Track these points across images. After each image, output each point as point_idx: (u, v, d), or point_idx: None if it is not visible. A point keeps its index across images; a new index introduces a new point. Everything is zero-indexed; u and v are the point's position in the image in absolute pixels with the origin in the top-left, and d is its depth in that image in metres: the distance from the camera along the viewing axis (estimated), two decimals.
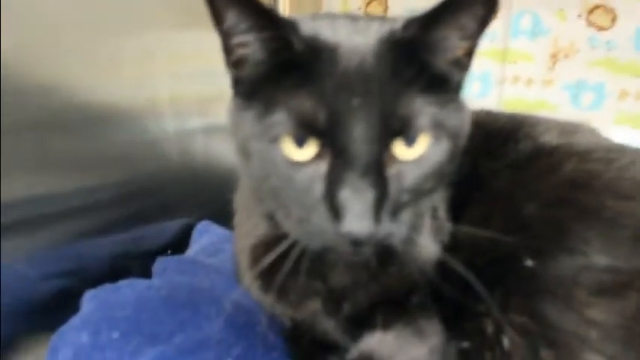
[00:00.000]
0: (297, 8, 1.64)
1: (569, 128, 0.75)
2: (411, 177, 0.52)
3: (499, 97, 1.56)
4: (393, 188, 0.51)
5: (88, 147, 0.91)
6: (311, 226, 0.52)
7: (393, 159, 0.52)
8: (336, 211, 0.49)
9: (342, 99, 0.49)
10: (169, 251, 1.09)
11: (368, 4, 1.66)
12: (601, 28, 1.43)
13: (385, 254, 0.60)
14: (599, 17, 1.41)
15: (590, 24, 1.44)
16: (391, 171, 0.51)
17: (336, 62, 0.51)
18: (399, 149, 0.52)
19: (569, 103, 1.49)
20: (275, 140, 0.51)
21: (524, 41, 1.50)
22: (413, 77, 0.51)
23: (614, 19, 1.41)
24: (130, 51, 1.02)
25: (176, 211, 1.18)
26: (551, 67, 1.51)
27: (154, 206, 1.11)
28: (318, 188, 0.51)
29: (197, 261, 1.00)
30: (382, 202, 0.50)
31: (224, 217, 0.84)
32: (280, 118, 0.51)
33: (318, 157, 0.51)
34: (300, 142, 0.51)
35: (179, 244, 1.14)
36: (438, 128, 0.53)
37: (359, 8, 1.66)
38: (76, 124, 0.88)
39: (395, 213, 0.52)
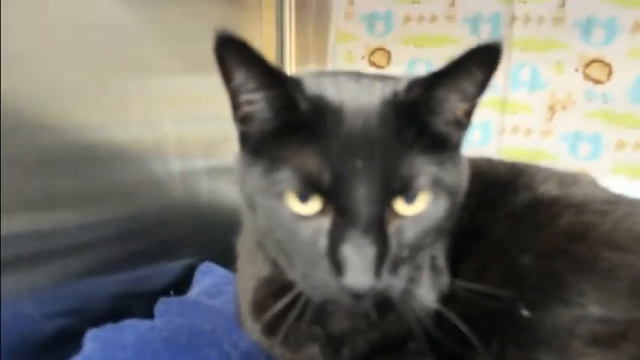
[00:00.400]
0: (304, 57, 1.68)
1: (567, 179, 0.77)
2: (411, 233, 0.53)
3: (499, 146, 1.57)
4: (393, 244, 0.52)
5: (93, 185, 0.92)
6: (314, 280, 0.53)
7: (394, 215, 0.53)
8: (338, 267, 0.50)
9: (346, 160, 0.50)
10: (171, 292, 1.09)
11: (372, 53, 1.69)
12: (597, 82, 1.46)
13: (384, 303, 0.61)
14: (595, 71, 1.45)
15: (586, 77, 1.48)
16: (392, 227, 0.52)
17: (341, 123, 0.52)
18: (400, 206, 0.53)
19: (567, 154, 1.51)
20: (280, 196, 0.52)
21: (523, 93, 1.53)
22: (414, 138, 0.53)
23: (609, 73, 1.44)
24: (136, 93, 1.03)
25: (179, 251, 1.18)
26: (550, 118, 1.53)
27: (157, 245, 1.11)
28: (322, 243, 0.52)
29: (199, 302, 1.01)
30: (383, 258, 0.51)
31: (227, 258, 0.85)
32: (285, 175, 0.52)
33: (322, 213, 0.52)
34: (304, 198, 0.52)
35: (181, 284, 1.13)
36: (437, 186, 0.54)
37: (363, 57, 1.70)
38: (81, 162, 0.89)
39: (394, 268, 0.53)
